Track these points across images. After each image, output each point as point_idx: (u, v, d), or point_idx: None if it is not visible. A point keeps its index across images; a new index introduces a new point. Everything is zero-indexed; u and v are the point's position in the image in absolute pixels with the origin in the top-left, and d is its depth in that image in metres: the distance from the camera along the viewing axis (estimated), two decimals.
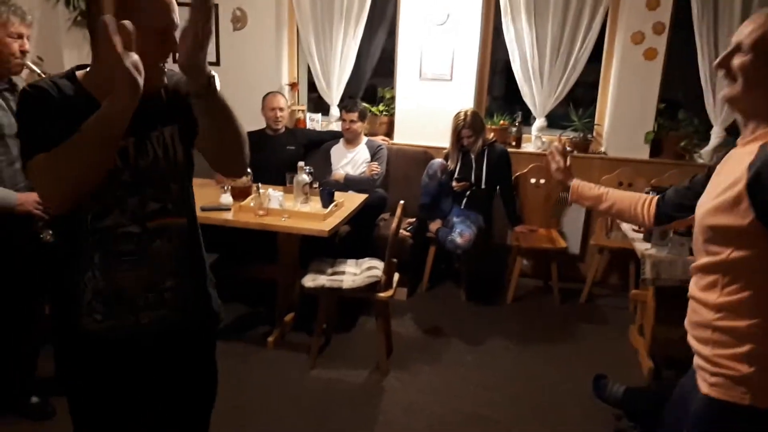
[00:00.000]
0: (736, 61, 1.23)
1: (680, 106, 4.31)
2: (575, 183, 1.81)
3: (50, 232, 2.37)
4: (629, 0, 3.96)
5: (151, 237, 1.41)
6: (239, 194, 3.30)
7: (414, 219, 4.08)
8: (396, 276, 3.19)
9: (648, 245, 2.90)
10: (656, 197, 1.64)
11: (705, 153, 4.03)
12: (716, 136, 3.98)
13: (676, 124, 4.18)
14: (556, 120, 4.36)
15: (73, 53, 4.20)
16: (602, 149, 4.28)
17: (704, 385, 1.30)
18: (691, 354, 1.39)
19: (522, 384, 3.05)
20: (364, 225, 3.84)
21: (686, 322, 1.40)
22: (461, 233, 3.75)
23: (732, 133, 3.98)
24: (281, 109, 4.14)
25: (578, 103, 4.37)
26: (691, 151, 4.11)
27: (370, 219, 3.91)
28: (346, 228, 3.69)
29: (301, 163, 3.42)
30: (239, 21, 4.52)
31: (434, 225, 4.01)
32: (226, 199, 3.29)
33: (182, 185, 1.47)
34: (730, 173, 1.23)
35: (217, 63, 4.61)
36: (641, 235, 3.04)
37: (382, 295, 3.02)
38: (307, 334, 3.29)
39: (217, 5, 4.51)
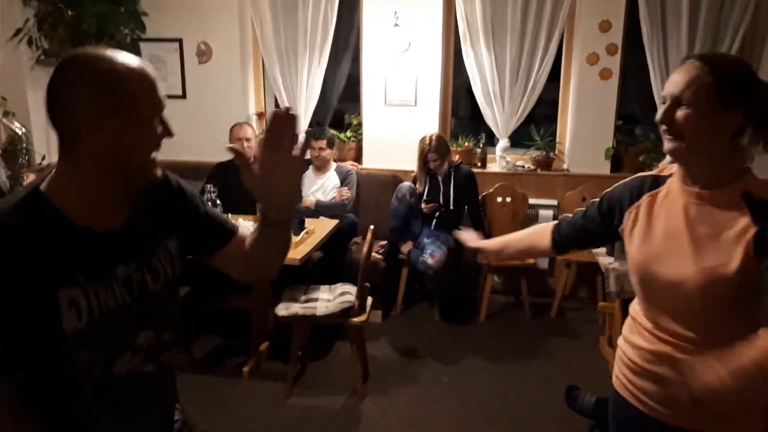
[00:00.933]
0: (680, 113, 1.22)
1: (638, 120, 4.48)
2: (483, 244, 1.78)
3: None
4: (583, 23, 4.13)
5: (164, 373, 1.19)
6: None
7: (385, 242, 4.13)
8: (369, 300, 3.23)
9: (611, 259, 2.99)
10: (552, 228, 1.62)
11: (662, 165, 4.18)
12: None
13: (634, 139, 4.34)
14: (518, 140, 4.48)
15: (37, 93, 4.19)
16: (565, 166, 4.41)
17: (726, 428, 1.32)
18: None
19: (498, 400, 3.09)
20: (337, 250, 3.87)
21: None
22: (432, 254, 3.82)
23: None
24: (248, 140, 4.16)
25: (540, 119, 4.51)
26: (650, 165, 4.25)
27: (342, 244, 3.95)
28: (318, 254, 3.72)
29: None
30: (204, 54, 4.57)
31: (406, 247, 4.06)
32: None
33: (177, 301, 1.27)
34: (715, 225, 1.24)
35: (183, 96, 4.65)
36: (604, 249, 3.13)
37: (356, 320, 3.05)
38: (283, 363, 3.29)
39: (181, 39, 4.57)
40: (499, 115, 4.30)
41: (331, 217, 3.88)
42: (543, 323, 4.07)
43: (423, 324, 4.05)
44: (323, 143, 4.15)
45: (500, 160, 4.43)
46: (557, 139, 4.46)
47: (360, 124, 4.63)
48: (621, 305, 3.12)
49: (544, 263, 4.40)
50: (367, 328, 3.50)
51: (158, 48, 4.59)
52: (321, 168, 4.25)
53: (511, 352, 3.63)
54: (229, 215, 3.29)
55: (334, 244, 3.69)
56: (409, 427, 2.88)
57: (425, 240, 4.00)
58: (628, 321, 1.47)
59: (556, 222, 1.64)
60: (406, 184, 4.10)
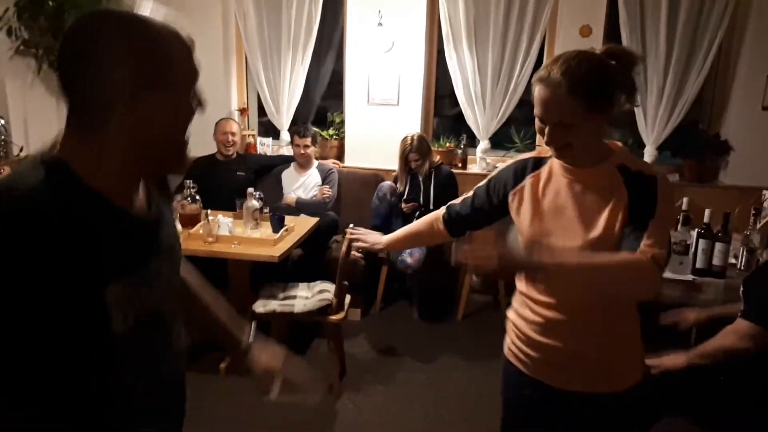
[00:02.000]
0: (565, 133, 1.33)
1: (616, 125, 4.55)
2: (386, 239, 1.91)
3: None
4: (564, 26, 4.18)
5: (183, 369, 1.23)
6: (188, 222, 3.30)
7: None
8: (348, 298, 3.25)
9: None
10: (441, 215, 1.74)
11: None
12: (649, 154, 4.22)
13: None
14: (499, 141, 4.53)
15: (15, 83, 4.13)
16: None
17: (606, 384, 1.47)
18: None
19: (474, 399, 3.13)
20: (317, 248, 3.89)
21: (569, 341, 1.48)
22: (411, 253, 3.85)
23: (662, 150, 4.24)
24: (233, 134, 4.16)
25: (521, 121, 4.55)
26: None
27: (322, 242, 3.96)
28: (298, 251, 3.73)
29: (250, 189, 3.45)
30: None
31: None
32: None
33: None
34: (598, 197, 1.39)
35: None
36: None
37: (333, 317, 3.07)
38: None
39: None
40: (480, 116, 4.34)
41: (312, 214, 3.89)
42: None
43: (401, 322, 4.08)
44: (308, 141, 4.16)
45: (480, 161, 4.47)
46: (537, 142, 4.51)
47: (342, 122, 4.64)
48: None
49: None
50: (346, 326, 3.52)
51: None
52: (303, 165, 4.26)
53: (487, 352, 3.67)
54: (209, 211, 3.28)
55: (314, 241, 3.71)
56: (384, 424, 2.91)
57: None
58: (517, 295, 1.60)
59: (444, 208, 1.75)
60: (387, 183, 4.12)
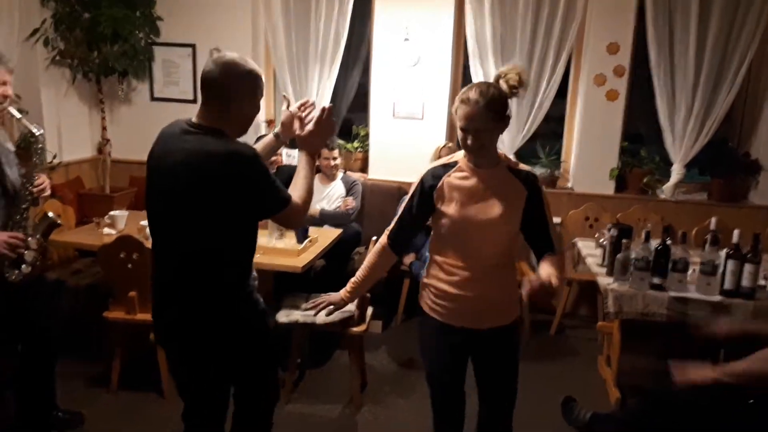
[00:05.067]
0: (479, 134, 1.87)
1: (644, 141, 4.51)
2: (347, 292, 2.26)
3: (16, 271, 2.38)
4: (591, 44, 4.17)
5: None
6: None
7: None
8: (369, 310, 3.25)
9: (610, 279, 3.00)
10: (385, 243, 2.12)
11: (666, 188, 4.20)
12: (676, 172, 4.16)
13: (639, 160, 4.36)
14: (524, 157, 4.50)
15: (51, 91, 4.25)
16: (569, 185, 4.43)
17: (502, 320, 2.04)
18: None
19: None
20: (339, 259, 3.90)
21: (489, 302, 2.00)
22: None
23: (689, 167, 4.18)
24: None
25: (547, 136, 4.54)
26: (654, 186, 4.28)
27: (345, 253, 3.98)
28: (321, 262, 3.75)
29: None
30: None
31: (408, 258, 4.09)
32: None
33: None
34: (501, 189, 1.94)
35: (194, 101, 4.70)
36: (604, 270, 3.15)
37: (355, 329, 3.07)
38: (281, 369, 3.30)
39: (194, 45, 4.64)
40: (506, 131, 4.32)
41: (336, 226, 3.91)
42: (542, 340, 4.08)
43: None
44: (336, 153, 4.19)
45: None
46: (562, 158, 4.49)
47: (367, 135, 4.68)
48: (620, 325, 3.14)
49: None
50: (367, 338, 3.52)
51: (171, 52, 4.66)
52: (328, 177, 4.29)
53: None
54: None
55: (337, 253, 3.73)
56: None
57: (427, 252, 4.01)
58: (433, 265, 2.07)
59: (384, 238, 2.13)
60: None
